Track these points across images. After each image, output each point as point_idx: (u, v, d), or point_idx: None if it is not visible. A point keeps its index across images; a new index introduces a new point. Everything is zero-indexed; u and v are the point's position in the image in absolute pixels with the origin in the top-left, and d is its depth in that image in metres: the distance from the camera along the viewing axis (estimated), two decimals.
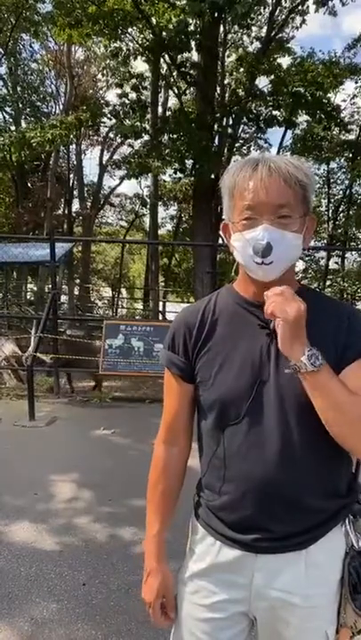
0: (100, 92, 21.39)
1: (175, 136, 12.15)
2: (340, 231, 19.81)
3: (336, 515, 1.21)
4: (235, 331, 1.21)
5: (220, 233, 1.26)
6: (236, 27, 14.39)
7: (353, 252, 18.72)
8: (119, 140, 21.47)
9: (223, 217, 1.25)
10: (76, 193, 22.71)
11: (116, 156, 22.17)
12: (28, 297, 19.39)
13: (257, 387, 1.14)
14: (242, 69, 15.03)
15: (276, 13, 13.13)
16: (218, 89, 14.53)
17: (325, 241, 20.23)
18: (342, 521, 1.22)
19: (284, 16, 13.46)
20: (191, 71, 12.71)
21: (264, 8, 10.75)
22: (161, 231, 23.23)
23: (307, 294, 1.21)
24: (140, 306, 22.48)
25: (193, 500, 1.34)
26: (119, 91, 16.38)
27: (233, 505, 1.19)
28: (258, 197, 1.10)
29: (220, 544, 1.22)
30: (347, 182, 19.18)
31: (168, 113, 16.37)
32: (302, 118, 16.24)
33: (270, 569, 1.17)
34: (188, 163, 11.83)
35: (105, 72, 18.55)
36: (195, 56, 12.83)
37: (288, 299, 1.05)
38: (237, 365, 1.17)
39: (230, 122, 14.67)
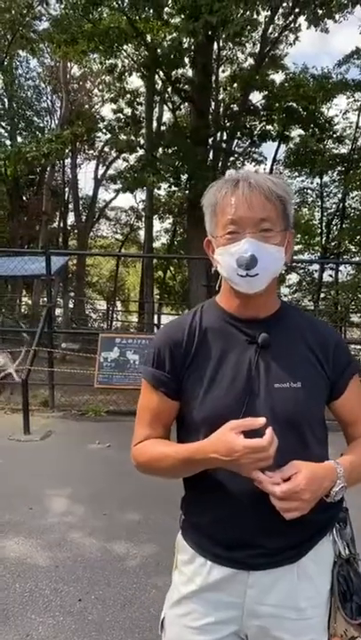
0: (96, 107, 21.63)
1: (170, 151, 12.27)
2: (333, 244, 19.94)
3: (325, 525, 1.22)
4: (222, 347, 1.20)
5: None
6: (230, 43, 14.65)
7: (346, 265, 18.80)
8: (114, 155, 21.68)
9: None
10: (71, 206, 22.81)
11: (111, 171, 22.37)
12: (23, 310, 19.36)
13: (247, 402, 1.14)
14: (236, 85, 15.25)
15: (270, 31, 13.37)
16: (212, 104, 14.72)
17: (319, 254, 20.35)
18: (330, 530, 1.23)
19: (277, 34, 13.71)
20: (186, 87, 12.88)
21: (256, 28, 10.93)
22: (156, 244, 23.32)
23: (288, 310, 1.28)
24: (134, 319, 22.47)
25: (179, 520, 1.31)
26: (114, 106, 16.56)
27: (224, 523, 1.17)
28: (240, 212, 1.12)
29: (210, 564, 1.19)
30: (340, 196, 19.34)
31: (163, 128, 16.56)
32: (296, 132, 16.46)
33: (263, 585, 1.16)
34: (183, 177, 11.94)
35: (100, 87, 18.79)
36: (189, 72, 13.03)
37: (307, 499, 1.06)
38: (227, 381, 1.17)
39: (225, 136, 14.85)
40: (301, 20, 12.17)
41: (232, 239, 1.14)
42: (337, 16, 11.28)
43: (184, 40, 10.14)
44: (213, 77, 14.93)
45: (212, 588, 1.19)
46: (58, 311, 16.62)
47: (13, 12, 13.57)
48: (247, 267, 1.12)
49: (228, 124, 14.60)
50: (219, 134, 14.52)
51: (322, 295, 19.31)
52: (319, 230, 20.82)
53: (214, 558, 1.19)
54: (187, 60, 11.96)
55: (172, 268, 25.54)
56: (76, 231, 23.37)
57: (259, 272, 1.12)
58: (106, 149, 21.82)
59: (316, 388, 1.19)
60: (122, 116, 16.26)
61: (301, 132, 16.16)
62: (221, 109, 16.12)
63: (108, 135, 17.39)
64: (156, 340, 1.28)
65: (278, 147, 18.29)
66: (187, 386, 1.21)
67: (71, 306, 19.96)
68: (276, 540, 1.15)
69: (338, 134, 17.54)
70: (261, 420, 1.04)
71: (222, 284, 1.25)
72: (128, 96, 15.77)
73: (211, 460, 1.08)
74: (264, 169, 17.45)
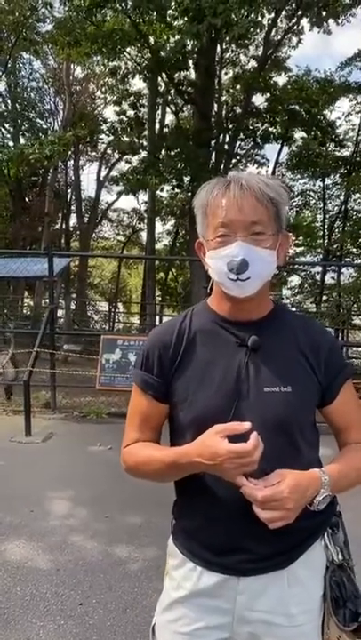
0: (99, 108, 21.67)
1: (173, 153, 12.29)
2: (335, 246, 19.93)
3: (316, 531, 1.20)
4: (212, 349, 1.19)
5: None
6: (233, 46, 14.67)
7: (348, 267, 18.76)
8: (117, 156, 21.72)
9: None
10: (73, 208, 22.86)
11: (113, 172, 22.41)
12: (25, 311, 19.39)
13: (236, 405, 1.12)
14: (238, 87, 15.26)
15: (273, 33, 13.38)
16: (215, 106, 14.73)
17: (321, 256, 20.34)
18: (321, 535, 1.21)
19: (280, 36, 13.72)
20: (188, 89, 12.89)
21: (260, 30, 10.95)
22: (158, 246, 23.35)
23: (281, 312, 1.26)
24: (136, 320, 22.47)
25: (170, 524, 1.30)
26: (117, 108, 16.58)
27: (213, 527, 1.16)
28: (231, 215, 1.11)
29: (200, 569, 1.18)
30: (342, 198, 19.34)
31: (165, 130, 16.59)
32: (298, 135, 16.48)
33: (253, 591, 1.15)
34: (186, 179, 11.95)
35: (103, 89, 18.83)
36: (192, 74, 13.05)
37: (291, 508, 1.03)
38: (216, 383, 1.15)
39: (227, 138, 14.86)
40: (304, 22, 12.23)
41: (223, 242, 1.13)
42: (340, 18, 11.30)
43: (188, 42, 10.16)
44: (216, 79, 14.96)
45: (202, 593, 1.18)
46: (60, 312, 16.64)
47: (17, 13, 13.61)
48: (238, 271, 1.10)
49: (230, 126, 14.62)
50: (221, 136, 14.54)
51: (324, 297, 19.28)
52: (321, 232, 20.83)
53: (204, 564, 1.18)
54: (190, 62, 11.98)
55: (173, 270, 25.57)
56: (78, 233, 23.41)
57: (250, 276, 1.11)
58: (108, 151, 21.87)
59: (307, 392, 1.17)
60: (125, 118, 16.29)
61: (304, 134, 16.17)
62: (224, 111, 16.14)
63: (111, 137, 17.40)
64: (146, 343, 1.28)
65: (281, 149, 18.31)
66: (174, 388, 1.20)
67: (73, 307, 19.98)
68: (263, 546, 1.13)
69: (340, 137, 17.55)
70: (247, 425, 1.02)
71: (214, 287, 1.24)
72: (131, 98, 15.80)
73: (195, 464, 1.07)
74: (266, 171, 17.48)
